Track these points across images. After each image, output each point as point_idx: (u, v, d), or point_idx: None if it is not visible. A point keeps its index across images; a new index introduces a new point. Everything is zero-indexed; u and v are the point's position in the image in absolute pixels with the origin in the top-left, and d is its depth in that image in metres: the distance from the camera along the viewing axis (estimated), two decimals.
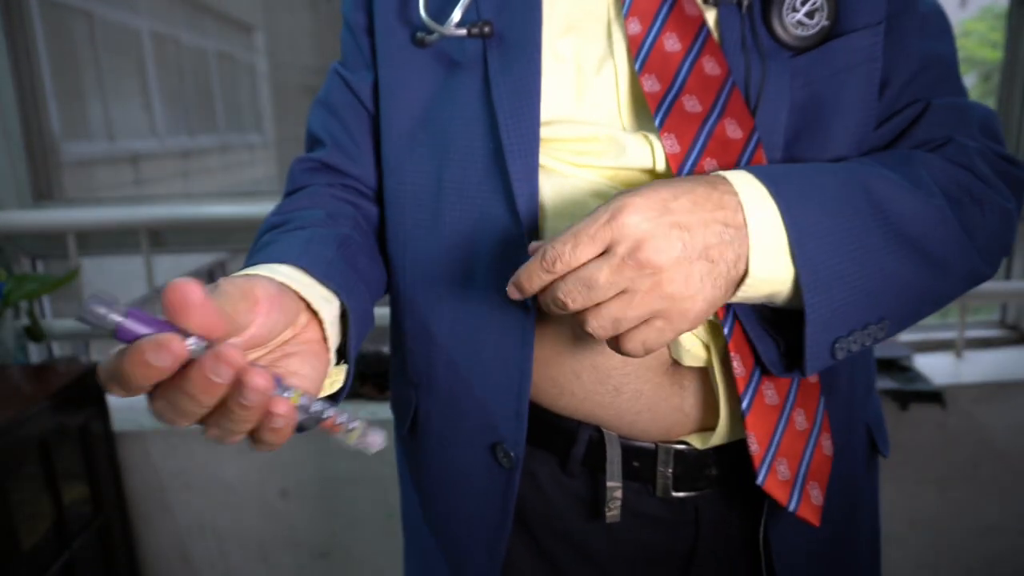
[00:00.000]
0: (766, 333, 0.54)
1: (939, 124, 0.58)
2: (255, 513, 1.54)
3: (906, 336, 1.69)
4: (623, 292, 0.45)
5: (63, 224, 1.48)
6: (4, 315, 1.37)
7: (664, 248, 0.44)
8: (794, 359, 0.54)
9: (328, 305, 0.47)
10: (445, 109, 0.60)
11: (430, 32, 0.59)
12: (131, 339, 0.35)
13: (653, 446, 0.60)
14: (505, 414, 0.60)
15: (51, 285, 1.36)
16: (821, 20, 0.54)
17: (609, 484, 0.60)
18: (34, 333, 1.42)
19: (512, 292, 0.48)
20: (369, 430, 0.41)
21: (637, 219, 0.44)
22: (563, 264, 0.45)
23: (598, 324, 0.46)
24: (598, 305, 0.46)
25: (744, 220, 0.46)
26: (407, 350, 0.67)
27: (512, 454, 0.60)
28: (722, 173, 0.49)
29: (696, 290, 0.46)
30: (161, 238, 1.55)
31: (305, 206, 0.62)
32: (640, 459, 0.61)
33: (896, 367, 1.49)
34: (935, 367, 1.57)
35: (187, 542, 1.55)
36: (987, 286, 1.60)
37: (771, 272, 0.47)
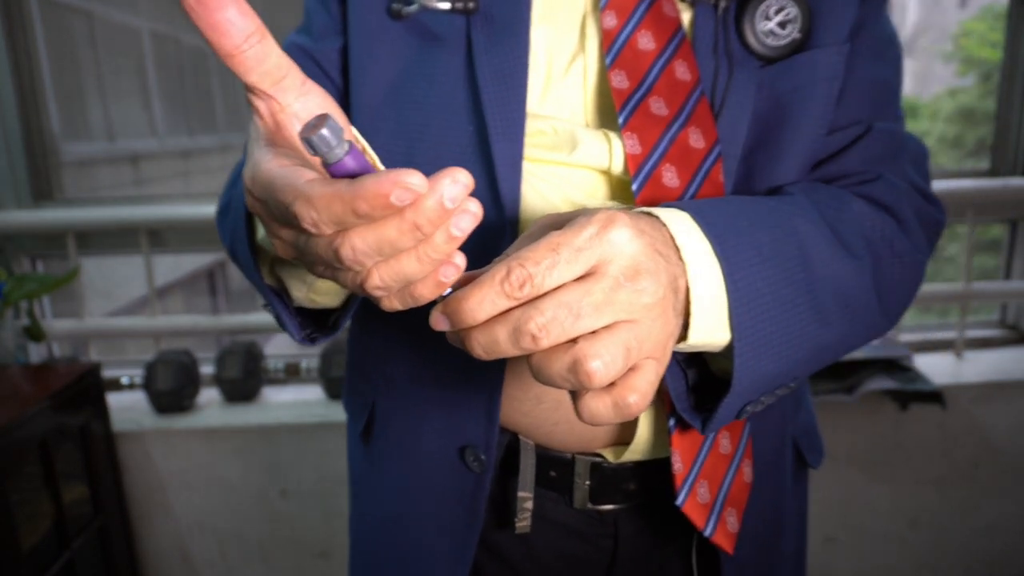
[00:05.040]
0: (676, 364, 0.52)
1: (876, 149, 0.58)
2: (255, 513, 1.54)
3: (906, 336, 1.69)
4: (614, 324, 0.37)
5: (63, 224, 1.48)
6: (4, 315, 1.37)
7: (654, 270, 0.38)
8: (699, 397, 0.53)
9: None
10: (420, 87, 0.56)
11: (409, 3, 0.56)
12: (340, 175, 0.32)
13: (570, 456, 0.59)
14: (475, 416, 0.58)
15: (51, 285, 1.36)
16: (793, 32, 0.54)
17: (520, 494, 0.59)
18: (34, 333, 1.42)
19: (439, 322, 0.37)
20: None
21: (628, 236, 0.37)
22: (533, 288, 0.35)
23: (601, 364, 0.35)
24: (590, 337, 0.36)
25: (688, 284, 0.42)
26: (365, 347, 0.65)
27: (483, 457, 0.58)
28: (660, 214, 0.44)
29: (672, 323, 0.40)
30: (161, 238, 1.55)
31: None
32: (557, 469, 0.60)
33: (896, 367, 1.49)
34: (935, 367, 1.57)
35: (187, 542, 1.55)
36: (987, 286, 1.60)
37: (707, 338, 0.44)
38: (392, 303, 0.36)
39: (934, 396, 1.42)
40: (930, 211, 0.60)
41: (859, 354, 1.46)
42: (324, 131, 0.31)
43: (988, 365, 1.59)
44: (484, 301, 0.36)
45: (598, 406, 0.38)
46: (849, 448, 1.53)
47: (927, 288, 1.62)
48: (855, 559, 1.60)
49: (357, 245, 0.32)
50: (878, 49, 0.58)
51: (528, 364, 0.38)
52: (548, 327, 0.35)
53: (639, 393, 0.37)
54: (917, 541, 1.60)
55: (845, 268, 0.50)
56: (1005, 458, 1.56)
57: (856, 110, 0.58)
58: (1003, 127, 1.63)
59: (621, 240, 0.37)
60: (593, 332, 0.36)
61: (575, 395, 0.39)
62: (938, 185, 1.53)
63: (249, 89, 0.35)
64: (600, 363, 0.35)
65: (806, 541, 0.72)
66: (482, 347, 0.37)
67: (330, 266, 0.35)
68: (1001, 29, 1.63)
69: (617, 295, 0.36)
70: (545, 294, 0.36)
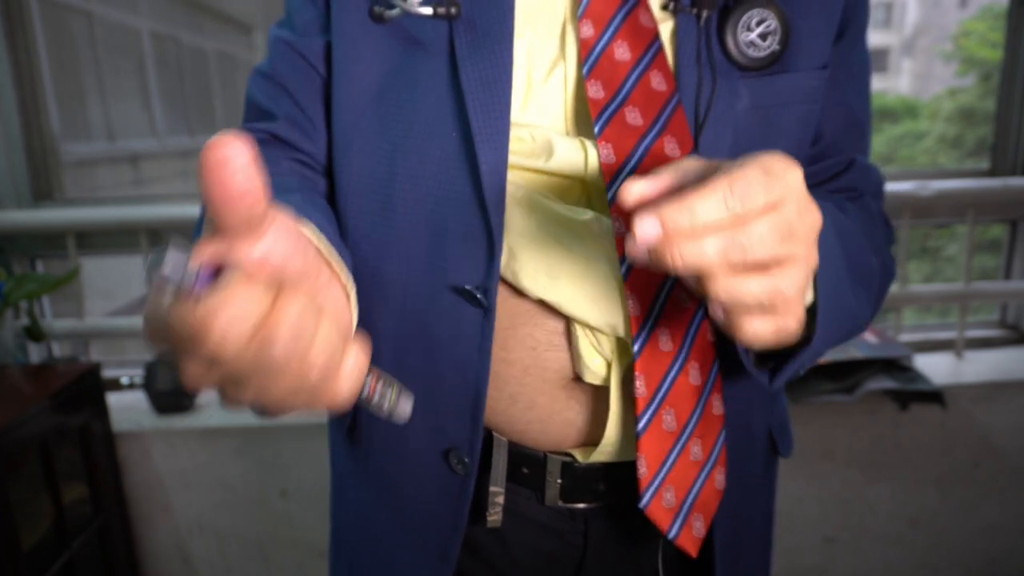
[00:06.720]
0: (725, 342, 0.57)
1: (857, 180, 0.64)
2: (255, 513, 1.54)
3: (906, 336, 1.69)
4: (794, 254, 0.38)
5: (63, 224, 1.48)
6: (4, 315, 1.36)
7: (814, 210, 0.40)
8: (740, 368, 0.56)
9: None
10: (404, 91, 0.56)
11: (391, 7, 0.56)
12: (190, 294, 0.31)
13: (542, 455, 0.60)
14: (459, 419, 0.58)
15: (51, 285, 1.36)
16: (772, 44, 0.55)
17: (492, 489, 0.60)
18: (34, 333, 1.42)
19: (649, 226, 0.36)
20: (403, 395, 0.38)
21: (799, 177, 0.39)
22: (747, 204, 0.36)
23: (793, 285, 0.38)
24: (783, 261, 0.38)
25: None
26: None
27: (467, 460, 0.58)
28: None
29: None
30: (161, 238, 1.55)
31: (272, 172, 0.55)
32: (529, 466, 0.61)
33: (896, 367, 1.49)
34: (935, 367, 1.57)
35: (187, 542, 1.55)
36: (987, 286, 1.60)
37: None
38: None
39: (934, 396, 1.42)
40: (891, 239, 0.68)
41: (859, 354, 1.46)
42: (180, 259, 0.31)
43: (988, 365, 1.59)
44: (708, 205, 0.36)
45: (765, 327, 0.40)
46: (849, 448, 1.53)
47: (927, 288, 1.62)
48: (855, 559, 1.60)
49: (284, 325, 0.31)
50: (852, 80, 0.62)
51: (709, 287, 0.38)
52: (762, 242, 0.37)
53: (796, 318, 0.41)
54: (917, 541, 1.60)
55: (870, 263, 0.58)
56: (1005, 458, 1.56)
57: (840, 143, 0.63)
58: (1003, 127, 1.63)
59: (799, 183, 0.39)
60: (779, 258, 0.38)
61: (731, 317, 0.40)
62: (938, 185, 1.53)
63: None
64: (792, 284, 0.38)
65: (773, 531, 0.74)
66: (683, 257, 0.36)
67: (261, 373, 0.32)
68: (1001, 29, 1.63)
69: (801, 227, 0.38)
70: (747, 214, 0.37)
